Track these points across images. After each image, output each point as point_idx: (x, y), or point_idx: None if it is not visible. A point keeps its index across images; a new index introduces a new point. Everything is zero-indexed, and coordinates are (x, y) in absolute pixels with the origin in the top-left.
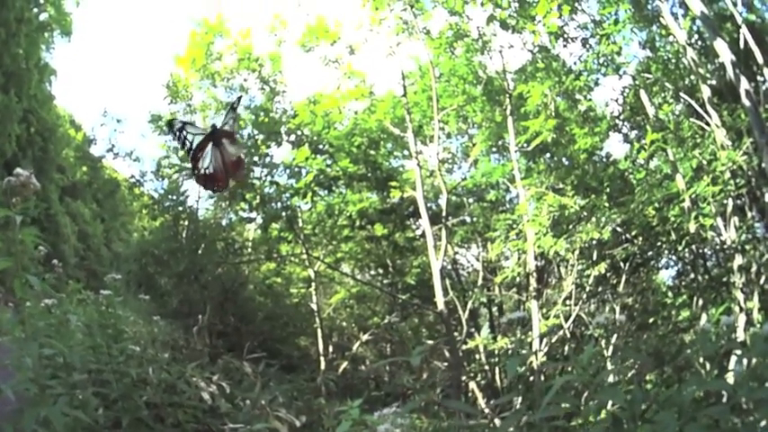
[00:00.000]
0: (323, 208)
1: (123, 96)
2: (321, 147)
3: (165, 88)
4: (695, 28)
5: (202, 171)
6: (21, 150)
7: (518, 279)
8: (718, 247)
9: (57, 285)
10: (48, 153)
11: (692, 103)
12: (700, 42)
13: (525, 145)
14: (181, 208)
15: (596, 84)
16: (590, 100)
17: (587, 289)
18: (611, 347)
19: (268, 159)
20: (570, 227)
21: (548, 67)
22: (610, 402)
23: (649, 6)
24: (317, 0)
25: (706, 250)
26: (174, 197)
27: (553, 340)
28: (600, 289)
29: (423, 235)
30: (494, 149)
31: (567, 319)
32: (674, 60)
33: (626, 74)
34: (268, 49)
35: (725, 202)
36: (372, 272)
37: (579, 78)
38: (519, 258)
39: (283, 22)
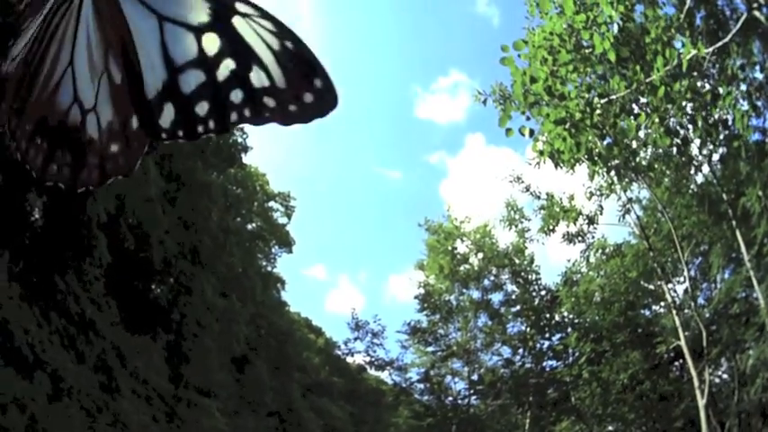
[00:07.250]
0: (596, 385)
1: (355, 298)
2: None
3: (419, 301)
4: None
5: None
6: (252, 350)
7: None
8: None
9: None
10: (285, 354)
11: None
12: None
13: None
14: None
15: None
16: None
17: None
18: None
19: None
20: None
21: (753, 167)
22: None
23: None
24: (537, 178)
25: None
26: (444, 399)
27: None
28: None
29: (682, 372)
30: (726, 260)
31: None
32: None
33: None
34: (509, 239)
35: None
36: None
37: None
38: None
39: (520, 212)
